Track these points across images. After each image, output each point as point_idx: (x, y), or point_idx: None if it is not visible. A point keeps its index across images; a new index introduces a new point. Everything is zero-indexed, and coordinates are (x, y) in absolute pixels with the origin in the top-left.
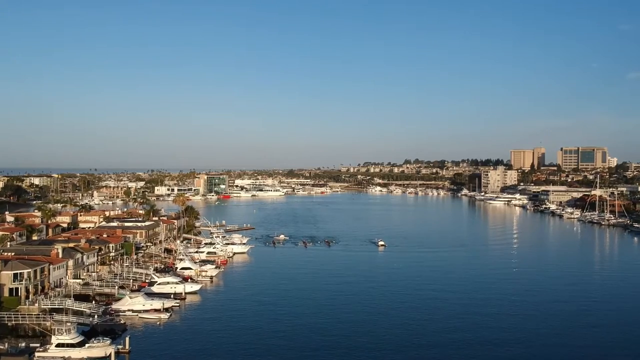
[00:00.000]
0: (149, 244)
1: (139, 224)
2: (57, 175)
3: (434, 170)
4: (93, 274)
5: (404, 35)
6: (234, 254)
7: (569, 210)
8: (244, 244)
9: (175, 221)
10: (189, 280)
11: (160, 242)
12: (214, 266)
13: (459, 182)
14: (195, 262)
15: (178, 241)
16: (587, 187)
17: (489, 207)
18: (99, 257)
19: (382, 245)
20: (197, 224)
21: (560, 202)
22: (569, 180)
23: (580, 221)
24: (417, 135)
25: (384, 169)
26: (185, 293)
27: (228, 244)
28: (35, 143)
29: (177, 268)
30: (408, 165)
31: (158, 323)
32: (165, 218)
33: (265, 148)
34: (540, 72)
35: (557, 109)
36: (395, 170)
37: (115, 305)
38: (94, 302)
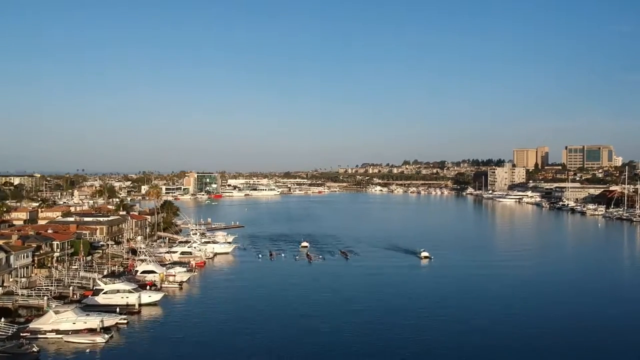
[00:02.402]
0: (111, 242)
1: (101, 219)
2: (38, 175)
3: (435, 171)
4: (22, 279)
5: (402, 36)
6: (215, 254)
7: (591, 206)
8: (228, 242)
9: (149, 217)
10: (151, 287)
11: (128, 240)
12: (185, 269)
13: (462, 181)
14: (163, 265)
15: (139, 237)
16: (597, 184)
17: (498, 206)
18: (37, 258)
19: (425, 257)
20: (179, 222)
21: (577, 199)
22: (577, 178)
23: (606, 218)
24: (415, 137)
25: (382, 170)
26: (140, 305)
27: (208, 242)
28: (25, 146)
29: (137, 272)
30: (407, 166)
31: (88, 350)
32: (136, 213)
33: (261, 151)
34: (541, 73)
35: (556, 109)
36: (395, 171)
37: (34, 324)
38: (8, 318)
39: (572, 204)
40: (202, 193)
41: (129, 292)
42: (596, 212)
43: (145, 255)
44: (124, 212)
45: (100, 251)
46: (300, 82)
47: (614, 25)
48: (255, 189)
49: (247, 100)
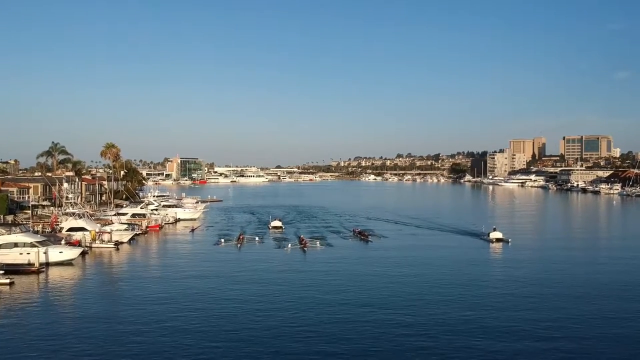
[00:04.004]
0: (47, 203)
1: (37, 178)
2: (12, 161)
3: (429, 162)
4: None
5: (398, 34)
6: (178, 220)
7: (604, 186)
8: (196, 208)
9: (105, 183)
10: (77, 246)
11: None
12: (126, 228)
13: (458, 169)
14: (97, 223)
15: (67, 188)
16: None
17: (502, 190)
18: None
19: (498, 239)
20: (147, 195)
21: (584, 181)
22: (578, 167)
23: (623, 196)
24: (408, 134)
25: (375, 162)
26: (47, 264)
27: (170, 206)
28: (16, 143)
29: (61, 229)
30: (401, 159)
31: None
32: (89, 177)
33: (252, 149)
34: (533, 71)
35: (550, 107)
36: (388, 163)
37: None
38: None
39: (582, 184)
40: (186, 179)
41: (31, 245)
42: (611, 191)
43: (75, 209)
44: (71, 173)
45: (29, 212)
46: (291, 77)
47: (608, 23)
48: (242, 176)
49: (232, 96)
